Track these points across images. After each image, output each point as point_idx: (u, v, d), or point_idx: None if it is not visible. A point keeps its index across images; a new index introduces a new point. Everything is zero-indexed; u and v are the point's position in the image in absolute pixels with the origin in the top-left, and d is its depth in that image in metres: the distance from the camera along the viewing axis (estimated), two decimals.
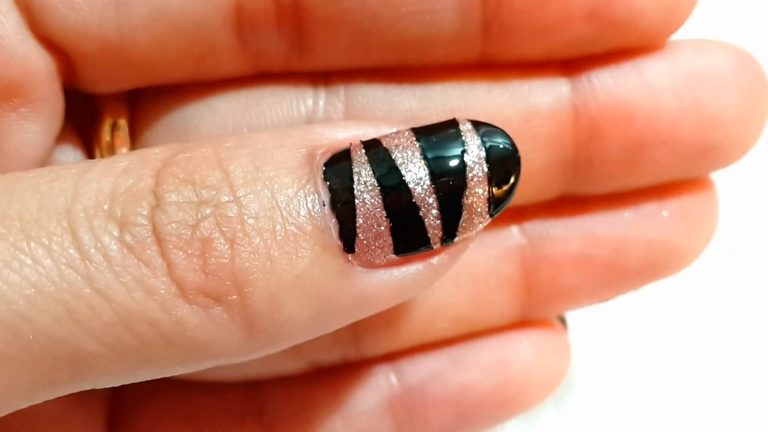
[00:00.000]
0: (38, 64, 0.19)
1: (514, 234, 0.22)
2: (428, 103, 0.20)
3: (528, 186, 0.20)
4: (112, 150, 0.21)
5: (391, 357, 0.23)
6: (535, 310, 0.23)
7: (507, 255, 0.22)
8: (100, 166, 0.16)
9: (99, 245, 0.15)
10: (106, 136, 0.21)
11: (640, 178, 0.21)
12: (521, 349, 0.23)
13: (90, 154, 0.21)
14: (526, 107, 0.20)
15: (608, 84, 0.20)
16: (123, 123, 0.21)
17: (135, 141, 0.21)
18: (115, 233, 0.15)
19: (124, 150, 0.21)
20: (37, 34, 0.18)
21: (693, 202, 0.22)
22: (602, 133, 0.20)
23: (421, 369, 0.23)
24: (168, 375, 0.16)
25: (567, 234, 0.22)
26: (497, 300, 0.22)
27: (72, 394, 0.16)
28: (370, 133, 0.17)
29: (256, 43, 0.20)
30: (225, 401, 0.23)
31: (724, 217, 0.22)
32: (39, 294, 0.14)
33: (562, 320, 0.25)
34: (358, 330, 0.22)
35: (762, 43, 0.23)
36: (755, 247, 0.27)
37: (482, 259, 0.22)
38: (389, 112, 0.20)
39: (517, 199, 0.18)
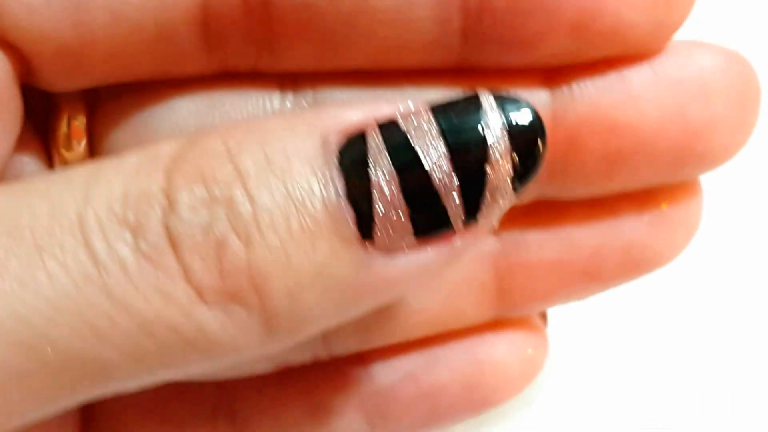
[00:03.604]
0: None
1: (488, 238, 0.21)
2: None
3: None
4: (69, 143, 0.20)
5: (363, 358, 0.23)
6: (509, 312, 0.22)
7: (481, 260, 0.21)
8: (110, 166, 0.16)
9: (114, 255, 0.15)
10: (63, 127, 0.20)
11: (619, 185, 0.20)
12: (495, 349, 0.22)
13: (46, 148, 0.20)
14: None
15: (590, 94, 0.19)
16: (81, 116, 0.20)
17: (95, 139, 0.20)
18: (130, 240, 0.15)
19: (83, 142, 0.20)
20: None
21: (674, 206, 0.21)
22: (580, 144, 0.19)
23: (394, 369, 0.22)
24: (189, 373, 0.16)
25: (543, 238, 0.21)
26: (470, 305, 0.22)
27: None
28: (385, 110, 0.16)
29: (223, 45, 0.19)
30: (197, 400, 0.23)
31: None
32: (57, 311, 0.14)
33: (542, 314, 0.25)
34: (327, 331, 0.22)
35: (756, 43, 0.22)
36: (735, 236, 0.27)
37: (456, 264, 0.21)
38: None
39: None
